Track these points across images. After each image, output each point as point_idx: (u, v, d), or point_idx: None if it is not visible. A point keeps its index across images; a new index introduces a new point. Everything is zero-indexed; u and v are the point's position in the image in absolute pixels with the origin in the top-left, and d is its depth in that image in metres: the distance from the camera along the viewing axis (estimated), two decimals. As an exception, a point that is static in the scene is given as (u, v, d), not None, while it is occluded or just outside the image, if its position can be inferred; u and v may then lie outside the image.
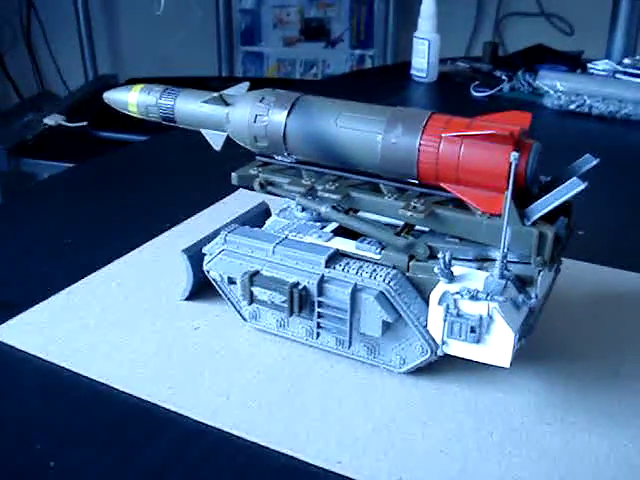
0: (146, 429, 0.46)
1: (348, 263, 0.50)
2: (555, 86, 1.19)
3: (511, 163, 0.43)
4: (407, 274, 0.50)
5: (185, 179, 0.91)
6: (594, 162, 0.49)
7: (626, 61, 1.23)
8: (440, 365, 0.51)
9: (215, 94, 0.57)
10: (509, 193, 0.43)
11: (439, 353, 0.47)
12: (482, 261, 0.48)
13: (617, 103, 1.15)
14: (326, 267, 0.50)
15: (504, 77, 1.31)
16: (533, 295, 0.45)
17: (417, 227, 0.52)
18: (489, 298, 0.44)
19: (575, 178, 0.45)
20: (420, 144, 0.48)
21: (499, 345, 0.44)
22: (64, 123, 1.59)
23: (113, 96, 0.62)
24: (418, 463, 0.43)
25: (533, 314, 0.47)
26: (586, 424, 0.46)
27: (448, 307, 0.44)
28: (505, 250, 0.44)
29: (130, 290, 0.61)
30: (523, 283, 0.47)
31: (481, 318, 0.44)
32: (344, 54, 2.05)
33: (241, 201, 0.73)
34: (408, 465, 0.43)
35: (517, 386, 0.50)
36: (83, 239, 0.72)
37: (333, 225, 0.55)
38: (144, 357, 0.52)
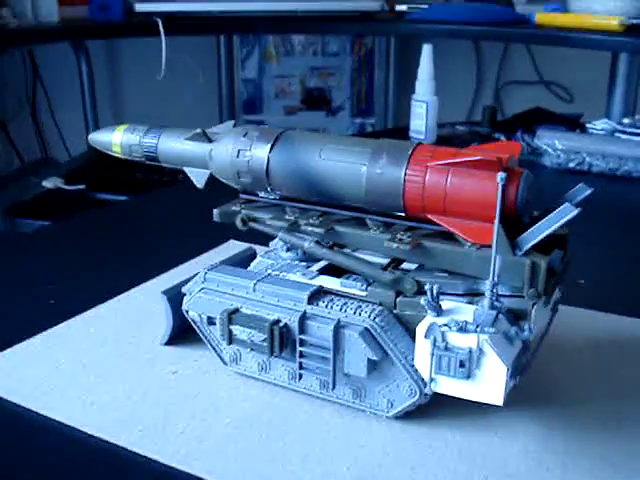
0: (114, 473, 0.43)
1: (332, 300, 0.48)
2: (554, 145, 1.19)
3: (499, 187, 0.41)
4: (394, 311, 0.47)
5: (176, 232, 0.89)
6: (588, 191, 0.47)
7: (625, 121, 1.23)
8: (430, 408, 0.48)
9: (198, 130, 0.56)
10: (497, 218, 0.41)
11: (427, 391, 0.43)
12: (473, 295, 0.45)
13: (617, 160, 1.14)
14: (309, 304, 0.47)
15: (502, 138, 1.31)
16: (526, 327, 0.42)
17: (405, 264, 0.49)
18: (479, 330, 0.41)
19: (567, 204, 0.43)
20: (406, 174, 0.46)
21: (491, 381, 0.41)
22: (62, 186, 1.59)
23: (98, 137, 0.61)
24: (405, 511, 0.39)
25: (528, 350, 0.44)
26: (587, 471, 0.43)
27: (435, 340, 0.41)
28: (495, 279, 0.41)
29: (109, 334, 0.58)
30: (516, 317, 0.44)
31: (471, 351, 0.41)
32: (345, 122, 2.07)
33: (233, 250, 0.71)
34: (394, 514, 0.39)
35: (513, 430, 0.46)
36: (68, 285, 0.70)
37: (320, 264, 0.53)
38: (116, 401, 0.49)
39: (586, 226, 0.94)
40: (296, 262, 0.54)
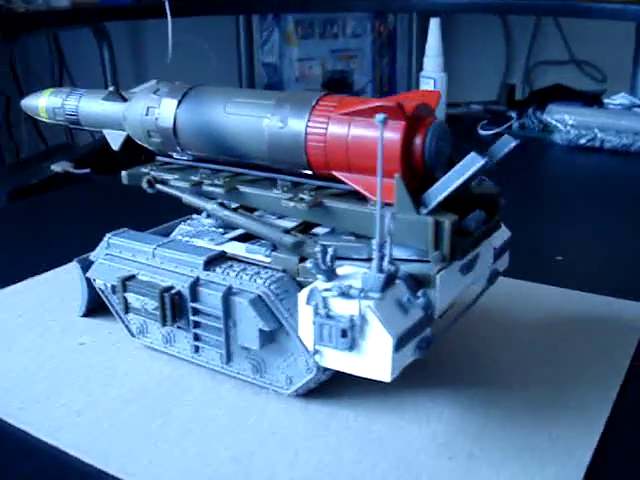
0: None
1: (232, 266, 0.44)
2: (564, 120, 1.11)
3: (379, 130, 0.36)
4: (298, 278, 0.43)
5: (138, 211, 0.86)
6: (513, 143, 0.42)
7: (644, 95, 1.15)
8: (338, 387, 0.43)
9: (111, 88, 0.52)
10: (378, 168, 0.36)
11: (311, 365, 0.39)
12: (379, 261, 0.41)
13: (632, 136, 1.06)
14: (205, 270, 0.43)
15: (513, 115, 1.24)
16: (420, 294, 0.37)
17: (318, 229, 0.45)
18: (362, 295, 0.36)
19: (473, 153, 0.38)
20: (307, 126, 0.42)
21: (376, 354, 0.36)
22: (70, 170, 1.59)
23: (27, 102, 0.58)
24: (273, 496, 0.35)
25: (432, 321, 0.39)
26: (495, 463, 0.38)
27: (317, 306, 0.37)
28: (383, 238, 0.37)
29: (33, 306, 0.56)
30: (419, 284, 0.39)
31: (352, 319, 0.36)
32: (368, 106, 2.01)
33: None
34: (260, 498, 0.35)
35: (425, 414, 0.42)
36: (11, 256, 0.68)
37: (238, 231, 0.49)
38: (10, 371, 0.46)
39: (593, 201, 0.88)
40: (214, 229, 0.50)
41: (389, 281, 0.37)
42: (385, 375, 0.36)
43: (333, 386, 0.43)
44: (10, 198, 1.34)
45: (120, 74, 2.07)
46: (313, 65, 2.01)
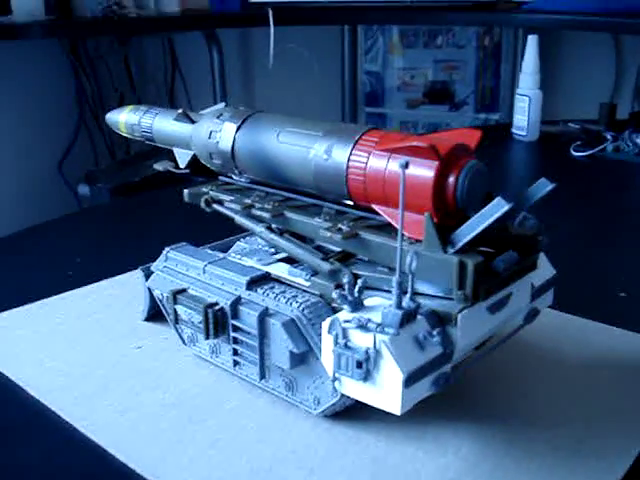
0: (40, 433, 0.44)
1: (273, 287, 0.46)
2: (661, 146, 1.07)
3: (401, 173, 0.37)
4: (333, 304, 0.45)
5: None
6: (549, 187, 0.42)
7: None
8: (367, 412, 0.45)
9: (180, 110, 0.56)
10: (400, 206, 0.37)
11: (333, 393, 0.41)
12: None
13: None
14: (247, 289, 0.46)
15: (609, 137, 1.20)
16: (436, 333, 0.38)
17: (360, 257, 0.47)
18: (379, 330, 0.38)
19: (499, 198, 0.39)
20: (349, 159, 0.44)
21: (388, 387, 0.37)
22: (171, 169, 1.66)
23: (110, 117, 0.63)
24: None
25: (450, 358, 0.40)
26: (505, 499, 0.38)
27: (337, 336, 0.39)
28: (401, 276, 0.38)
29: (100, 308, 0.60)
30: (442, 320, 0.40)
31: (367, 352, 0.37)
32: (468, 118, 2.00)
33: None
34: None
35: (445, 446, 0.43)
36: (92, 259, 0.73)
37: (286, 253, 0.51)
38: (69, 368, 0.51)
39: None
40: (265, 248, 0.53)
41: (407, 317, 0.38)
42: (396, 408, 0.37)
43: (362, 410, 0.45)
44: (113, 195, 1.43)
45: (228, 77, 2.15)
46: (415, 74, 2.01)
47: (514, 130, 1.31)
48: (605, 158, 1.17)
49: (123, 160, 1.93)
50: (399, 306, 0.38)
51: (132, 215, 0.93)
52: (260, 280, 0.47)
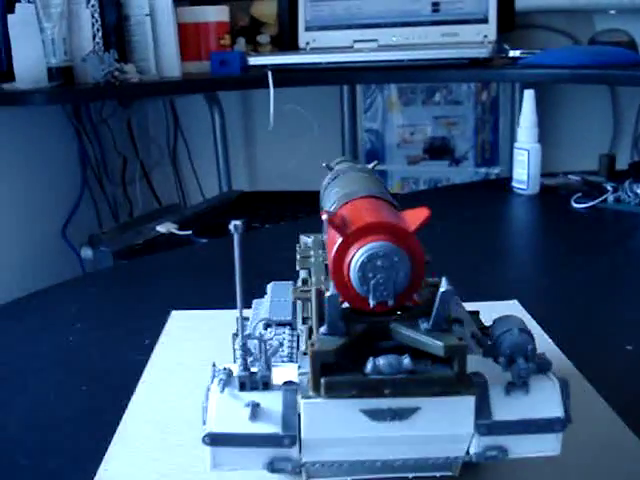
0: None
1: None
2: (662, 196, 1.07)
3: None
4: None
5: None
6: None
7: None
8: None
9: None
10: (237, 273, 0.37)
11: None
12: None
13: None
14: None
15: (609, 188, 1.20)
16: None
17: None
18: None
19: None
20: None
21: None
22: (174, 231, 1.67)
23: None
24: None
25: (292, 445, 0.37)
26: None
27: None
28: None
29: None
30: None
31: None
32: (469, 172, 2.01)
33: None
34: None
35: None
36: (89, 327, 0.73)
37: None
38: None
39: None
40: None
41: (253, 384, 0.38)
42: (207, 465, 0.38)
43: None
44: (116, 258, 1.43)
45: (229, 137, 2.18)
46: (415, 131, 2.03)
47: (514, 184, 1.31)
48: (606, 209, 1.17)
49: (126, 223, 1.94)
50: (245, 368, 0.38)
51: (134, 278, 0.93)
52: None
